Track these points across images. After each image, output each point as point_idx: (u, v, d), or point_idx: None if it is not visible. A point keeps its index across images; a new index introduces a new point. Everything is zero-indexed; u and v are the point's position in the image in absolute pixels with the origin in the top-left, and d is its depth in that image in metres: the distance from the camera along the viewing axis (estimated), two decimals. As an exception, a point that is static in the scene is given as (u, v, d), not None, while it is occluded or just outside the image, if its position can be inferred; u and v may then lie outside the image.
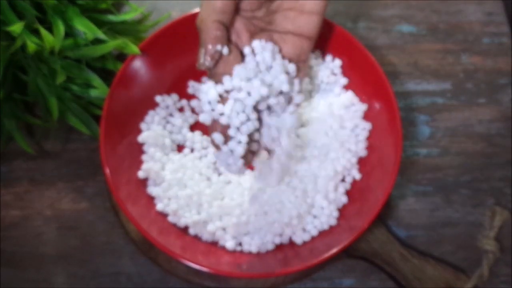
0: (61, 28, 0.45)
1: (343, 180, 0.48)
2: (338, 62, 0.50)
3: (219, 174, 0.47)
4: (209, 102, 0.40)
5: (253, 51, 0.41)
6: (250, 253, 0.45)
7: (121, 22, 0.50)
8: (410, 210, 0.51)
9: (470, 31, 0.57)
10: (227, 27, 0.40)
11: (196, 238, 0.46)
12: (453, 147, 0.53)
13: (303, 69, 0.43)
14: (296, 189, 0.46)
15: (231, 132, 0.39)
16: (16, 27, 0.44)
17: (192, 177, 0.47)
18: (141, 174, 0.47)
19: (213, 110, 0.40)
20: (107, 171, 0.44)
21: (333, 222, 0.46)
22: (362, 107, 0.49)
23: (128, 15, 0.50)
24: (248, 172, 0.47)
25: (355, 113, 0.49)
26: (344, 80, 0.50)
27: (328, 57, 0.50)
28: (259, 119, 0.42)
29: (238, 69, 0.40)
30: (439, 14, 0.57)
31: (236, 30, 0.41)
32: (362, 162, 0.48)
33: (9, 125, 0.49)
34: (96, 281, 0.48)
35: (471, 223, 0.51)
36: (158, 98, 0.49)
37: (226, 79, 0.40)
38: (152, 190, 0.47)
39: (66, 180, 0.51)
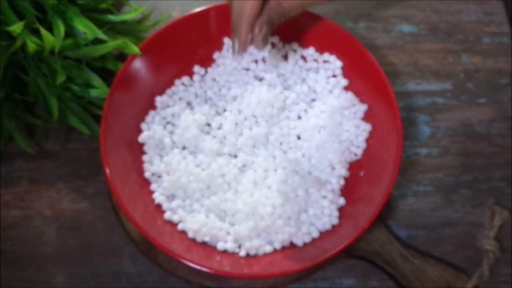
0: (61, 28, 0.45)
1: (343, 180, 0.48)
2: (338, 63, 0.50)
3: (222, 175, 0.47)
4: None
5: None
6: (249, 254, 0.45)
7: (121, 22, 0.50)
8: (411, 210, 0.51)
9: (471, 31, 0.57)
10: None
11: (197, 238, 0.45)
12: (454, 147, 0.53)
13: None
14: (297, 191, 0.46)
15: None
16: (16, 27, 0.44)
17: (193, 178, 0.47)
18: (145, 174, 0.47)
19: None
20: (107, 171, 0.44)
21: (335, 221, 0.46)
22: (362, 108, 0.49)
23: (128, 15, 0.50)
24: (249, 179, 0.47)
25: (355, 114, 0.49)
26: (344, 81, 0.50)
27: (329, 58, 0.50)
28: None
29: None
30: (439, 14, 0.57)
31: None
32: (362, 162, 0.48)
33: (9, 125, 0.49)
34: (96, 281, 0.48)
35: (471, 223, 0.51)
36: (158, 99, 0.49)
37: None
38: (153, 190, 0.47)
39: (66, 180, 0.51)
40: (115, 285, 0.48)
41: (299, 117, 0.50)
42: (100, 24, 0.47)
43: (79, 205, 0.50)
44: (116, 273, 0.48)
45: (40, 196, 0.50)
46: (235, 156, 0.49)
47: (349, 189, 0.48)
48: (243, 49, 0.46)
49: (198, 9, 0.49)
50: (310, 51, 0.50)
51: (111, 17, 0.49)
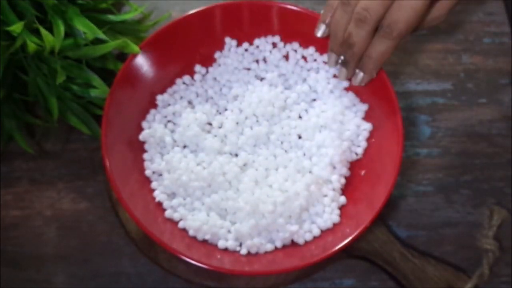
0: (61, 28, 0.45)
1: (344, 179, 0.48)
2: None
3: (223, 174, 0.47)
4: None
5: None
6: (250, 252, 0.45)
7: (121, 21, 0.50)
8: (411, 210, 0.51)
9: (471, 31, 0.57)
10: None
11: (197, 236, 0.45)
12: (454, 147, 0.53)
13: None
14: (298, 189, 0.46)
15: None
16: (16, 27, 0.43)
17: (194, 176, 0.47)
18: (146, 172, 0.47)
19: None
20: (108, 169, 0.44)
21: (336, 219, 0.46)
22: (362, 108, 0.49)
23: (128, 14, 0.50)
24: (250, 178, 0.47)
25: (356, 114, 0.49)
26: (345, 82, 0.50)
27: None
28: None
29: None
30: (439, 14, 0.57)
31: None
32: (363, 162, 0.48)
33: (9, 125, 0.49)
34: (96, 281, 0.48)
35: (471, 223, 0.51)
36: (159, 97, 0.49)
37: None
38: (154, 189, 0.47)
39: (66, 180, 0.51)
40: (115, 285, 0.48)
41: (300, 117, 0.50)
42: (100, 24, 0.47)
43: (79, 205, 0.50)
44: (116, 273, 0.48)
45: (40, 196, 0.50)
46: (236, 155, 0.48)
47: (350, 188, 0.48)
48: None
49: (199, 8, 0.49)
50: (311, 51, 0.50)
51: (111, 17, 0.49)
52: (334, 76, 0.50)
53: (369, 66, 0.45)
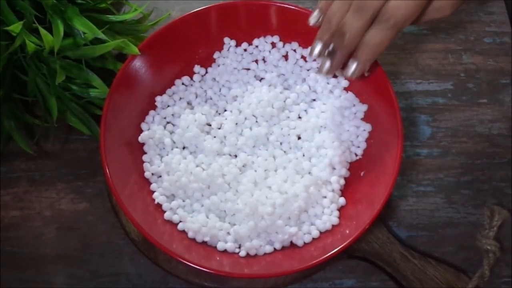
0: (60, 27, 0.45)
1: (343, 180, 0.48)
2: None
3: (222, 175, 0.47)
4: None
5: None
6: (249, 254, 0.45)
7: (121, 21, 0.50)
8: (411, 210, 0.51)
9: (472, 30, 0.57)
10: None
11: (197, 238, 0.45)
12: (454, 147, 0.53)
13: None
14: (297, 191, 0.46)
15: None
16: (15, 27, 0.43)
17: (193, 178, 0.47)
18: (145, 174, 0.47)
19: None
20: (107, 171, 0.44)
21: (335, 221, 0.46)
22: (362, 108, 0.49)
23: (128, 15, 0.50)
24: (249, 179, 0.47)
25: (356, 114, 0.49)
26: (345, 82, 0.50)
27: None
28: None
29: None
30: (440, 14, 0.57)
31: None
32: (362, 163, 0.48)
33: (9, 125, 0.49)
34: (96, 281, 0.48)
35: (472, 223, 0.50)
36: (158, 98, 0.49)
37: None
38: (152, 190, 0.47)
39: (65, 180, 0.51)
40: (115, 286, 0.48)
41: (299, 117, 0.50)
42: (99, 24, 0.47)
43: (78, 206, 0.50)
44: (116, 273, 0.48)
45: (39, 196, 0.50)
46: (235, 156, 0.48)
47: (349, 189, 0.48)
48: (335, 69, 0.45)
49: (198, 9, 0.49)
50: (311, 51, 0.50)
51: (111, 17, 0.49)
52: (334, 76, 0.50)
53: (363, 55, 0.43)
